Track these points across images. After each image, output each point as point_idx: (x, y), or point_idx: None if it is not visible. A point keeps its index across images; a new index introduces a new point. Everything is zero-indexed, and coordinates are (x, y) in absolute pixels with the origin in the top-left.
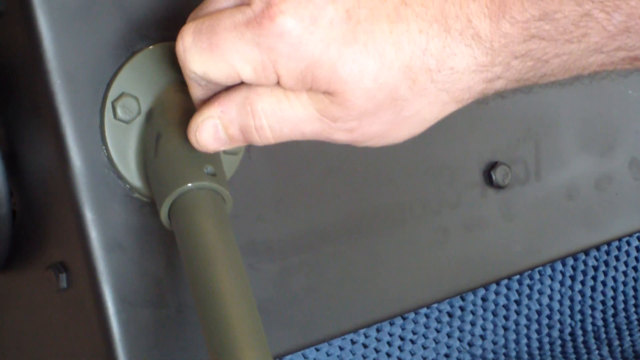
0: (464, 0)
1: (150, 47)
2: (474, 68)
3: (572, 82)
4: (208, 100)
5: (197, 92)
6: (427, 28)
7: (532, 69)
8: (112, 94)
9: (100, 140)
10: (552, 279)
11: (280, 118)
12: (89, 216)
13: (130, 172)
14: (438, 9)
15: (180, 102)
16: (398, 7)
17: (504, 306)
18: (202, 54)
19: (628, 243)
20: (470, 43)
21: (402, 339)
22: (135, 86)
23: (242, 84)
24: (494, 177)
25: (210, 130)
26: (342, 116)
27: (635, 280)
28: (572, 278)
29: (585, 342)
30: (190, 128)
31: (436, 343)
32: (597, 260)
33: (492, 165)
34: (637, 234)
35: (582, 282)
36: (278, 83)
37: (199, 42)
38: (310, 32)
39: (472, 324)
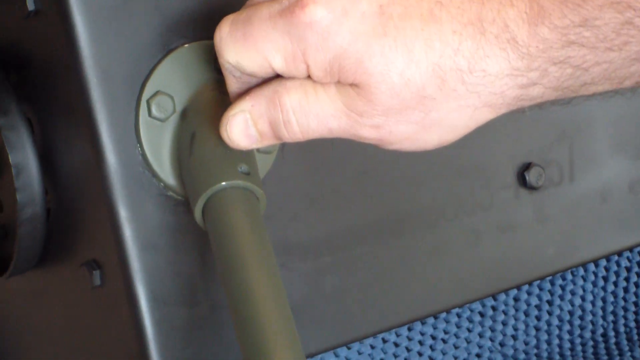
0: (501, 5)
1: (186, 45)
2: (507, 72)
3: (612, 95)
4: (241, 95)
5: (232, 85)
6: (460, 29)
7: (571, 77)
8: (147, 92)
9: (135, 139)
10: (584, 280)
11: (308, 112)
12: (123, 214)
13: (165, 170)
14: (474, 12)
15: (215, 101)
16: (433, 8)
17: (536, 306)
18: (236, 43)
19: None
20: (505, 47)
21: (433, 338)
22: (171, 84)
23: (274, 78)
24: (527, 178)
25: (241, 125)
26: (368, 110)
27: None
28: (605, 279)
29: (617, 344)
30: (222, 122)
31: (468, 343)
32: (629, 261)
33: (526, 167)
34: None
35: (615, 283)
36: (308, 75)
37: (234, 31)
38: (340, 23)
39: (504, 324)
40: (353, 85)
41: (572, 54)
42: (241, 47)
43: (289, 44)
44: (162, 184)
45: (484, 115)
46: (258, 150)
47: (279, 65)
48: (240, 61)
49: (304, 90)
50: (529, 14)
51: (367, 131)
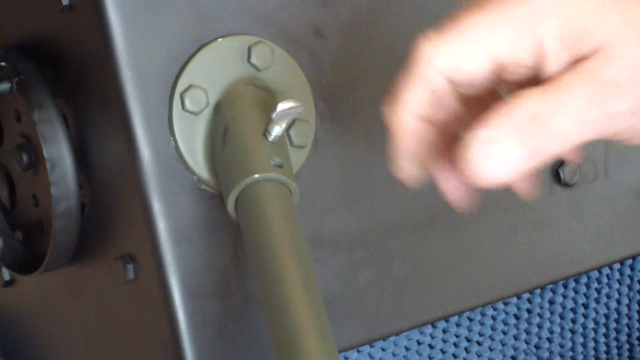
0: None
1: (220, 39)
2: None
3: None
4: (474, 125)
5: (420, 102)
6: None
7: None
8: (181, 86)
9: (169, 132)
10: (620, 283)
11: (553, 122)
12: (157, 207)
13: (198, 163)
14: None
15: (248, 95)
16: None
17: (571, 309)
18: (449, 43)
19: None
20: None
21: (468, 340)
22: (204, 78)
23: (503, 106)
24: (562, 175)
25: (488, 156)
26: (619, 79)
27: None
28: None
29: None
30: (464, 164)
31: (503, 345)
32: None
33: (561, 164)
34: None
35: None
36: (538, 60)
37: (444, 33)
38: None
39: (539, 326)
40: (594, 52)
41: None
42: (456, 45)
43: (509, 21)
44: (195, 177)
45: None
46: (291, 144)
47: (503, 50)
48: (458, 62)
49: (542, 99)
50: None
51: (625, 120)
